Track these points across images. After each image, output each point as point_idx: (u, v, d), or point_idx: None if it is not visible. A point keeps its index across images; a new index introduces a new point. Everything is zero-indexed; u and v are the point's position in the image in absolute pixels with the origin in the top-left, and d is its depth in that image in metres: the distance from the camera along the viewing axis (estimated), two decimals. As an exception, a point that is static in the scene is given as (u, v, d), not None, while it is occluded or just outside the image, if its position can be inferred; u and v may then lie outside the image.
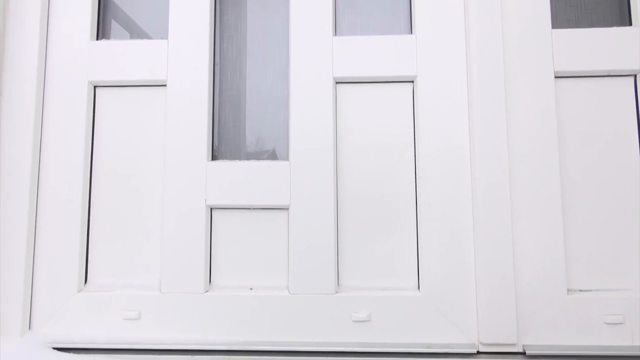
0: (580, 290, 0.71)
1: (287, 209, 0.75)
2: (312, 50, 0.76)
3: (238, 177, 0.74)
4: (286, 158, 0.77)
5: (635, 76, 0.74)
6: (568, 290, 0.71)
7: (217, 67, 0.79)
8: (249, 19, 0.80)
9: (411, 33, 0.78)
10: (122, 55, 0.77)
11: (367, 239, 0.74)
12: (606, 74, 0.74)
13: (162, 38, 0.80)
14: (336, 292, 0.72)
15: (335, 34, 0.78)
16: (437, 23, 0.75)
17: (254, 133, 0.78)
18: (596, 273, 0.71)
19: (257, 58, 0.79)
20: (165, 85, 0.77)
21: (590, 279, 0.71)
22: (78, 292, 0.73)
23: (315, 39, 0.76)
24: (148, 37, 0.81)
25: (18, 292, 0.72)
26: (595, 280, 0.71)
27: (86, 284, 0.75)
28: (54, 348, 0.70)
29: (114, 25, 0.81)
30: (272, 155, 0.77)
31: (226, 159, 0.78)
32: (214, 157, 0.78)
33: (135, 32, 0.81)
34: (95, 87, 0.79)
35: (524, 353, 0.67)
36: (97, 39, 0.80)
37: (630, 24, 0.75)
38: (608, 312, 0.69)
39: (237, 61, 0.79)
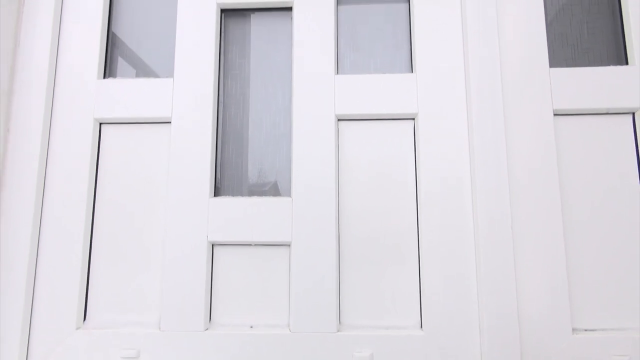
0: (586, 330, 0.70)
1: (289, 245, 0.75)
2: (314, 88, 0.77)
3: (240, 213, 0.74)
4: (288, 194, 0.77)
5: (633, 114, 0.75)
6: (573, 329, 0.70)
7: (220, 105, 0.81)
8: (252, 56, 0.82)
9: (412, 71, 0.79)
10: (127, 93, 0.79)
11: (369, 276, 0.74)
12: (605, 112, 0.75)
13: (167, 76, 0.81)
14: (338, 331, 0.71)
15: (338, 72, 0.80)
16: (438, 62, 0.77)
17: (256, 169, 0.79)
18: (601, 312, 0.70)
19: (261, 95, 0.81)
20: (170, 123, 0.79)
21: (595, 318, 0.70)
22: (77, 329, 0.73)
23: (318, 77, 0.78)
24: (155, 74, 0.82)
25: (16, 329, 0.71)
26: (600, 320, 0.70)
27: (85, 321, 0.75)
28: (51, 388, 0.69)
29: (121, 63, 0.83)
30: (275, 192, 0.78)
31: (229, 195, 0.78)
32: (216, 193, 0.78)
33: (142, 69, 0.83)
34: (100, 123, 0.80)
35: (529, 396, 0.66)
36: (105, 77, 0.82)
37: (627, 63, 0.77)
38: (614, 352, 0.68)
39: (240, 98, 0.81)
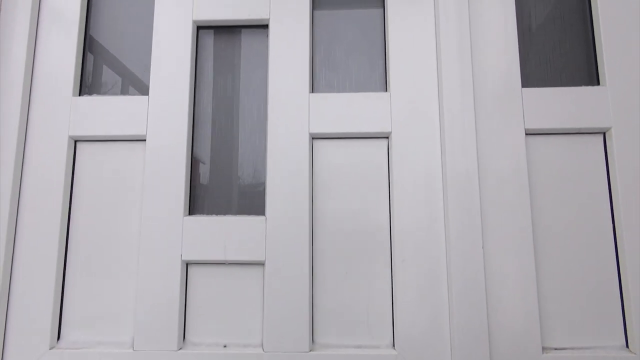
0: (555, 349, 0.71)
1: (263, 264, 0.75)
2: (289, 106, 0.77)
3: (214, 232, 0.75)
4: (263, 213, 0.78)
5: (604, 133, 0.75)
6: (543, 348, 0.71)
7: (196, 122, 0.81)
8: (228, 73, 0.82)
9: (386, 90, 0.79)
10: (102, 110, 0.79)
11: (342, 295, 0.74)
12: (576, 132, 0.75)
13: (142, 94, 0.81)
14: (311, 350, 0.71)
15: (312, 91, 0.80)
16: (412, 81, 0.77)
17: (231, 187, 0.79)
18: (571, 331, 0.71)
19: (236, 112, 0.81)
20: (145, 140, 0.79)
21: (565, 337, 0.71)
22: (50, 349, 0.73)
23: (293, 95, 0.78)
24: (132, 92, 0.82)
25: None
26: (570, 339, 0.71)
27: (59, 340, 0.75)
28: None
29: (97, 80, 0.83)
30: (250, 210, 0.78)
31: (203, 213, 0.78)
32: (191, 212, 0.78)
33: (118, 87, 0.83)
34: (75, 141, 0.80)
35: (498, 415, 0.67)
36: (80, 94, 0.82)
37: (599, 84, 0.77)
38: (584, 371, 0.68)
39: (216, 116, 0.81)
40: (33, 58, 0.81)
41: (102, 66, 0.84)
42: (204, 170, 0.80)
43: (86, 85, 0.83)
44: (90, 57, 0.83)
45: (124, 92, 0.82)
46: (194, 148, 0.80)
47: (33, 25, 0.81)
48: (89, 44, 0.84)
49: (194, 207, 0.79)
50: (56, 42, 0.81)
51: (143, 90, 0.82)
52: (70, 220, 0.78)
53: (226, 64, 0.82)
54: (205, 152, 0.80)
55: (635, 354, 0.68)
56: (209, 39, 0.83)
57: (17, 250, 0.75)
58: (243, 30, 0.83)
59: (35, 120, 0.79)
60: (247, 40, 0.83)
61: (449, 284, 0.71)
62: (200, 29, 0.84)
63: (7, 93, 0.78)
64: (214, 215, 0.76)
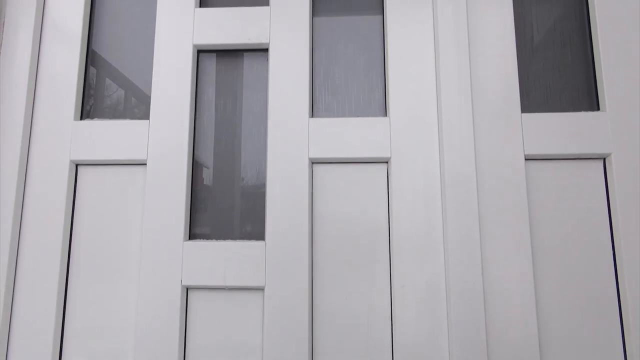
0: (555, 376, 0.71)
1: (263, 289, 0.75)
2: (288, 130, 0.78)
3: (214, 257, 0.75)
4: (262, 238, 0.78)
5: (604, 159, 0.75)
6: (543, 375, 0.70)
7: (196, 146, 0.81)
8: (229, 97, 0.82)
9: (385, 115, 0.80)
10: (103, 134, 0.79)
11: (342, 317, 0.74)
12: (576, 157, 0.75)
13: (141, 118, 0.82)
14: (309, 376, 0.71)
15: (312, 115, 0.81)
16: (411, 106, 0.77)
17: (231, 211, 0.79)
18: (570, 349, 0.71)
19: (237, 137, 0.81)
20: (145, 165, 0.79)
21: (564, 354, 0.71)
22: (51, 373, 0.73)
23: (292, 119, 0.78)
24: (132, 115, 0.83)
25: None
26: (569, 357, 0.71)
27: (60, 365, 0.75)
28: None
29: (99, 105, 0.84)
30: (250, 235, 0.78)
31: (203, 238, 0.79)
32: (191, 237, 0.79)
33: (119, 111, 0.83)
34: (77, 165, 0.80)
35: None
36: (81, 118, 0.82)
37: (599, 109, 0.77)
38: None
39: (216, 140, 0.81)
40: (35, 81, 0.81)
41: (104, 85, 0.84)
42: (205, 194, 0.80)
43: (88, 104, 0.83)
44: (92, 76, 0.84)
45: (126, 107, 0.83)
46: (195, 173, 0.80)
47: (35, 47, 0.82)
48: (91, 60, 0.85)
49: (194, 231, 0.79)
50: (58, 64, 0.82)
51: (147, 103, 0.82)
52: (72, 244, 0.78)
53: (227, 87, 0.83)
54: (207, 176, 0.81)
55: (635, 382, 0.68)
56: (210, 63, 0.84)
57: (19, 273, 0.76)
58: (245, 53, 0.84)
59: (37, 144, 0.79)
60: (248, 63, 0.83)
61: (448, 312, 0.71)
62: (201, 52, 0.84)
63: (10, 115, 0.78)
64: (214, 240, 0.76)
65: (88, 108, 0.83)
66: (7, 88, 0.79)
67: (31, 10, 0.82)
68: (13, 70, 0.80)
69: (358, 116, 0.79)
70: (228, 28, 0.82)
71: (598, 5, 0.78)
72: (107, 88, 0.84)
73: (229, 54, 0.84)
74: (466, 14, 0.77)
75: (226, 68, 0.83)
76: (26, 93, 0.79)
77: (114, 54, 0.85)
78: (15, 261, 0.76)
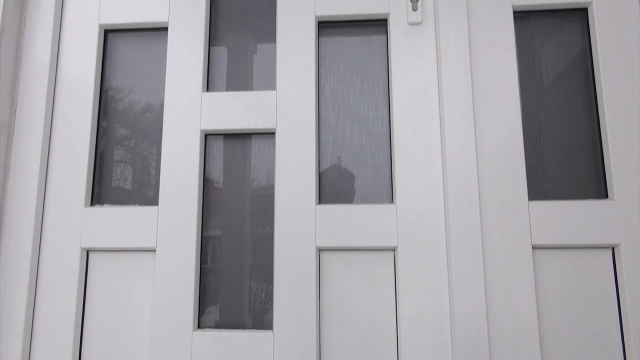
0: None
1: (271, 379, 0.76)
2: (295, 217, 0.78)
3: (223, 347, 0.76)
4: (271, 327, 0.79)
5: (613, 249, 0.75)
6: None
7: (206, 231, 0.82)
8: (236, 181, 0.83)
9: (392, 202, 0.80)
10: (113, 221, 0.81)
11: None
12: (584, 246, 0.75)
13: (150, 204, 0.83)
14: None
15: (319, 202, 0.81)
16: (417, 194, 0.77)
17: (239, 300, 0.80)
18: None
19: (247, 220, 0.82)
20: (155, 251, 0.80)
21: None
22: None
23: (300, 206, 0.79)
24: (141, 199, 0.84)
25: None
26: None
27: None
28: None
29: (109, 191, 0.85)
30: (259, 324, 0.79)
31: (211, 327, 0.79)
32: (200, 324, 0.80)
33: (128, 197, 0.85)
34: (88, 251, 0.82)
35: None
36: (92, 204, 0.84)
37: (607, 197, 0.77)
38: None
39: (225, 224, 0.82)
40: (47, 169, 0.83)
41: (112, 170, 0.85)
42: (213, 280, 0.81)
43: (97, 188, 0.84)
44: (101, 162, 0.85)
45: (134, 189, 0.84)
46: (204, 260, 0.81)
47: (47, 126, 0.83)
48: (100, 147, 0.86)
49: (203, 319, 0.80)
50: (68, 156, 0.83)
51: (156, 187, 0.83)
52: (84, 328, 0.80)
53: (235, 169, 0.84)
54: (214, 263, 0.82)
55: None
56: (218, 145, 0.85)
57: (32, 357, 0.78)
58: (251, 136, 0.84)
59: (48, 231, 0.81)
60: (256, 144, 0.84)
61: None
62: (208, 136, 0.85)
63: (23, 202, 0.80)
64: (223, 330, 0.77)
65: (97, 191, 0.85)
66: (18, 175, 0.81)
67: (41, 102, 0.83)
68: (23, 169, 0.82)
69: (365, 202, 0.80)
70: (235, 113, 0.82)
71: (606, 92, 0.77)
72: (115, 172, 0.85)
73: (236, 136, 0.85)
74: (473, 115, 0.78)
75: (234, 149, 0.84)
76: (38, 180, 0.81)
77: (123, 142, 0.86)
78: (29, 345, 0.78)
